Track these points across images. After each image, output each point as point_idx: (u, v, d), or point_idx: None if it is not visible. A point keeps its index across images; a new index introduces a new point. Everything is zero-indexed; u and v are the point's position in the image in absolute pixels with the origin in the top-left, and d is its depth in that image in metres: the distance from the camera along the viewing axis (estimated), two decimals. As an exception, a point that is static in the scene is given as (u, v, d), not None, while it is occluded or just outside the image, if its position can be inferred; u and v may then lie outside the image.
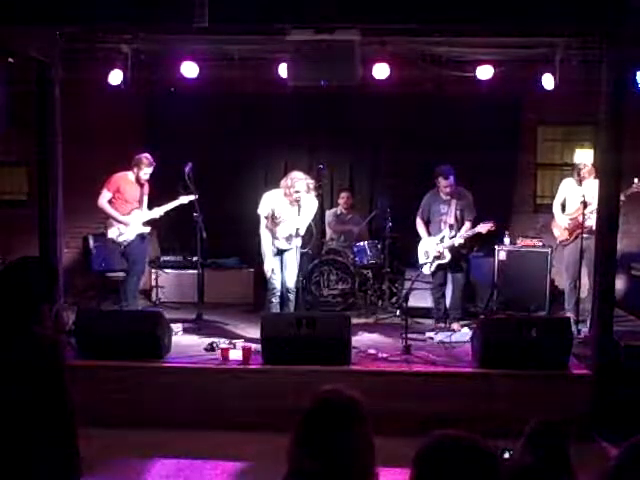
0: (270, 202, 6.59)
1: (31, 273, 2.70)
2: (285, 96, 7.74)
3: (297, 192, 6.42)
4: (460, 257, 7.09)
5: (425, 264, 7.07)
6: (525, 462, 2.81)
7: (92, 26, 6.00)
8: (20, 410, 2.51)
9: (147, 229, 7.28)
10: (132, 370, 5.70)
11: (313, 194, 6.62)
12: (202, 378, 5.70)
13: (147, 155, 7.11)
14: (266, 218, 6.61)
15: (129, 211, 7.11)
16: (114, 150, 7.88)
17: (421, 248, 7.18)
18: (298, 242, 6.71)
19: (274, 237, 6.64)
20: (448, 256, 6.98)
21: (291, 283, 6.77)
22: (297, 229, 6.56)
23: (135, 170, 7.10)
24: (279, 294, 6.74)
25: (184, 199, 7.14)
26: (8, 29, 5.51)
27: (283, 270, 6.74)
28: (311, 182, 6.53)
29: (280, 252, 6.73)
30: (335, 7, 5.43)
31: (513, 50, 7.04)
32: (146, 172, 7.10)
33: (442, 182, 6.90)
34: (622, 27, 5.30)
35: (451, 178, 6.87)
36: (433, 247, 7.02)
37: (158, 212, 7.24)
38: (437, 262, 7.03)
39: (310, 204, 6.64)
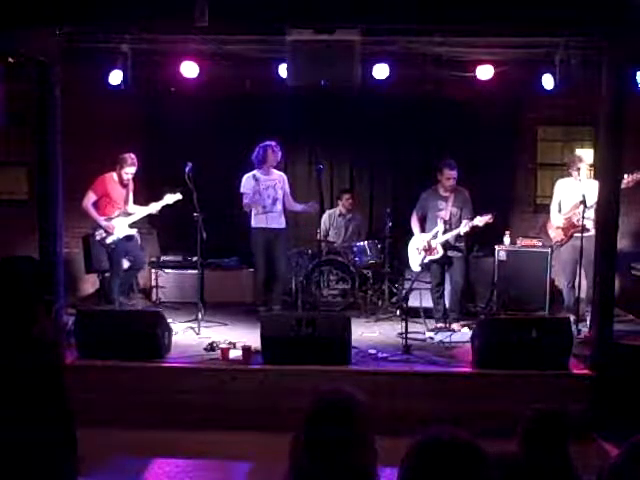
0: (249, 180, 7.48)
1: (19, 272, 2.69)
2: (285, 96, 7.73)
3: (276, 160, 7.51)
4: (456, 255, 7.09)
5: (416, 261, 7.12)
6: (522, 456, 2.80)
7: (92, 26, 6.01)
8: (19, 411, 2.51)
9: (133, 231, 7.37)
10: (132, 370, 5.70)
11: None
12: (202, 378, 5.70)
13: (131, 155, 7.19)
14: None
15: (115, 213, 7.20)
16: (114, 150, 7.86)
17: (412, 245, 7.21)
18: (281, 222, 7.48)
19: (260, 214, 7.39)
20: (441, 252, 6.99)
21: (280, 271, 7.53)
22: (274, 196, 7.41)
23: (117, 169, 7.18)
24: (262, 281, 7.54)
25: (169, 198, 7.25)
26: (8, 29, 5.51)
27: (275, 262, 7.49)
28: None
29: (268, 243, 7.38)
30: (335, 7, 5.43)
31: (513, 50, 7.04)
32: (127, 172, 7.18)
33: (447, 173, 6.90)
34: (622, 27, 5.31)
35: (455, 171, 6.89)
36: (424, 243, 7.05)
37: (152, 209, 7.33)
38: (429, 257, 7.05)
39: (279, 176, 7.57)
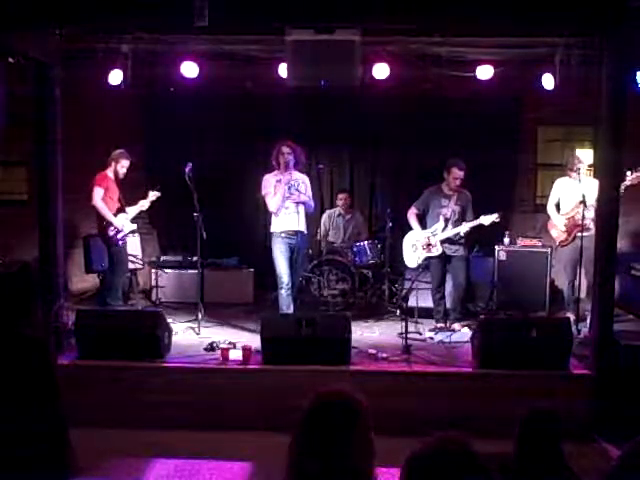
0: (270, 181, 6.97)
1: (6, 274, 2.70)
2: (285, 96, 7.73)
3: (285, 161, 6.91)
4: (456, 255, 7.10)
5: (412, 258, 7.15)
6: (516, 455, 2.81)
7: (92, 26, 6.00)
8: (10, 411, 2.51)
9: (134, 225, 7.53)
10: (132, 370, 5.70)
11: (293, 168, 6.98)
12: (202, 378, 5.70)
13: (121, 150, 7.33)
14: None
15: (116, 210, 7.27)
16: (114, 150, 7.88)
17: (408, 241, 7.22)
18: (302, 225, 6.95)
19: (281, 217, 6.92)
20: (440, 250, 7.01)
21: (296, 275, 7.04)
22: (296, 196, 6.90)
23: (113, 165, 7.26)
24: (288, 287, 6.87)
25: (152, 195, 7.43)
26: (8, 29, 5.50)
27: (295, 267, 6.96)
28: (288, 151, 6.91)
29: (289, 246, 6.90)
30: (335, 7, 5.43)
31: (513, 50, 7.02)
32: (123, 165, 7.28)
33: (455, 172, 6.95)
34: (622, 27, 5.30)
35: (463, 172, 6.95)
36: (422, 239, 7.07)
37: (141, 206, 7.48)
38: (426, 255, 7.07)
39: (302, 177, 7.04)
